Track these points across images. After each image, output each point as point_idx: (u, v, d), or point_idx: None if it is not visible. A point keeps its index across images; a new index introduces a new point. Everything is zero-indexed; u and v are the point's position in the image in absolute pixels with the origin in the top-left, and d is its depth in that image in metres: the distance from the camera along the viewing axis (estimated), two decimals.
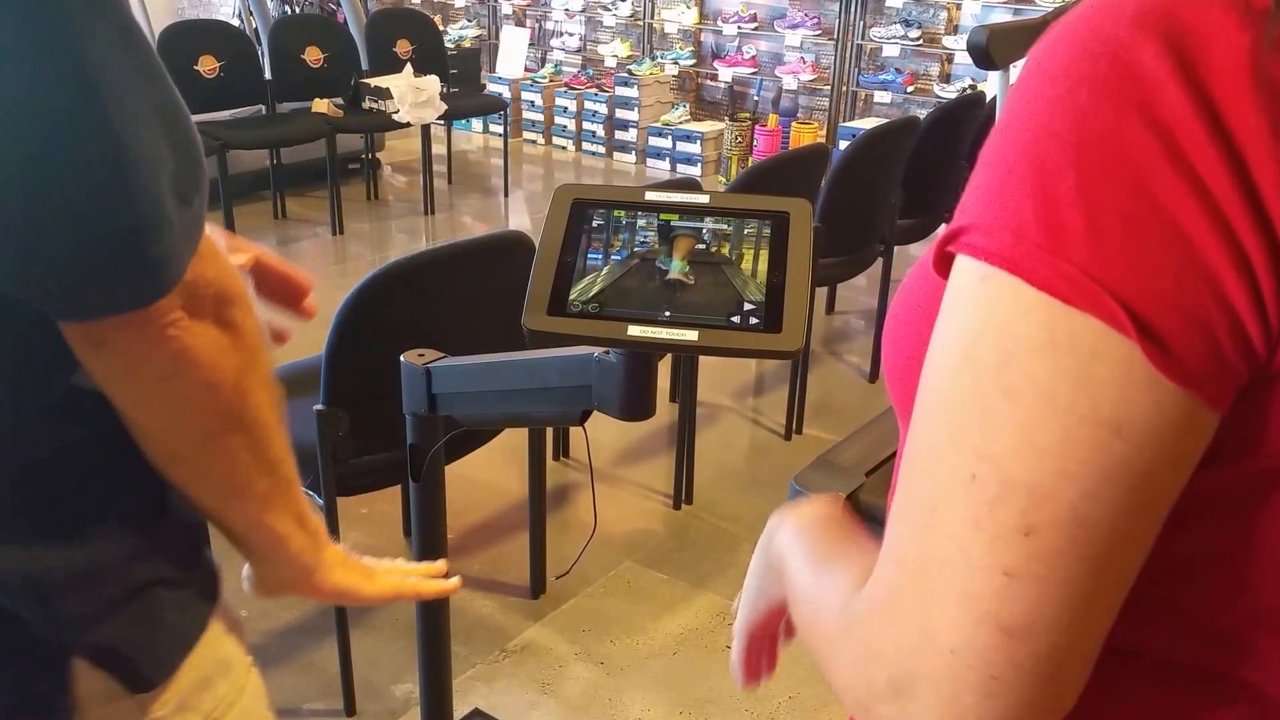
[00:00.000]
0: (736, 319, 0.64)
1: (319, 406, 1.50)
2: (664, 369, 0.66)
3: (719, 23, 5.55)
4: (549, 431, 2.36)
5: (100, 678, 0.55)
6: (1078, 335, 0.33)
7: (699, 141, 5.32)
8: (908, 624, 0.35)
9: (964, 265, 0.36)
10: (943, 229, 0.40)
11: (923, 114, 3.16)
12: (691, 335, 0.64)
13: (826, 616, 0.43)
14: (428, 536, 1.13)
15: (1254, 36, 0.32)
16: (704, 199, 0.70)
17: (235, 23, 5.29)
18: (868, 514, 2.10)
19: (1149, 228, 0.32)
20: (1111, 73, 0.33)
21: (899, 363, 0.46)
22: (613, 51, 5.90)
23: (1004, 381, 0.34)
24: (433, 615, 1.21)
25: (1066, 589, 0.33)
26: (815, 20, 5.22)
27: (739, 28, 5.46)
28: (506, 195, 4.95)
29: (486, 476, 2.38)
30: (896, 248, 2.83)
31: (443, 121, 4.49)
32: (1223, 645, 0.39)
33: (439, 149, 4.90)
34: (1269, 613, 0.38)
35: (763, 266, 0.66)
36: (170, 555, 0.59)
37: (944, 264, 0.37)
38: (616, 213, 0.69)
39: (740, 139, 5.22)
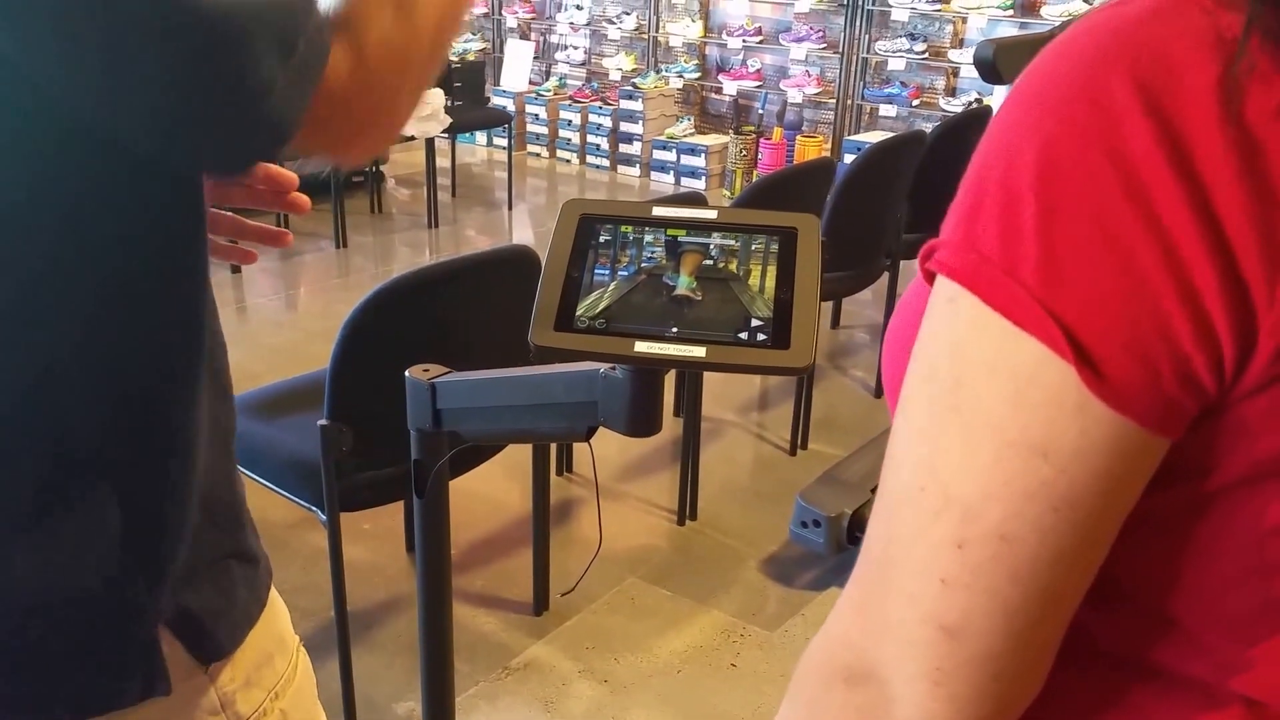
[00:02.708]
0: (744, 335, 0.63)
1: (323, 422, 1.49)
2: (668, 383, 0.65)
3: (724, 36, 5.57)
4: (552, 446, 2.35)
5: (179, 649, 0.56)
6: (1020, 359, 0.34)
7: (703, 155, 5.33)
8: (873, 615, 0.38)
9: (939, 282, 0.38)
10: (927, 243, 0.41)
11: (928, 128, 3.16)
12: (699, 352, 0.63)
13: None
14: (431, 553, 1.12)
15: (1224, 69, 0.32)
16: (711, 214, 0.69)
17: None
18: None
19: (1099, 257, 0.33)
20: (1078, 103, 0.34)
21: (895, 379, 0.47)
22: (617, 65, 5.92)
23: (955, 400, 0.36)
24: (435, 632, 1.20)
25: (995, 599, 0.36)
26: (820, 34, 5.24)
27: (744, 41, 5.48)
28: (510, 208, 4.95)
29: (490, 491, 2.37)
30: (902, 262, 2.82)
31: (447, 135, 4.50)
32: (1209, 653, 0.40)
33: (443, 162, 4.91)
34: (1245, 622, 0.39)
35: (770, 283, 0.65)
36: (240, 531, 0.62)
37: (929, 278, 0.39)
38: (624, 228, 0.68)
39: (745, 152, 5.22)
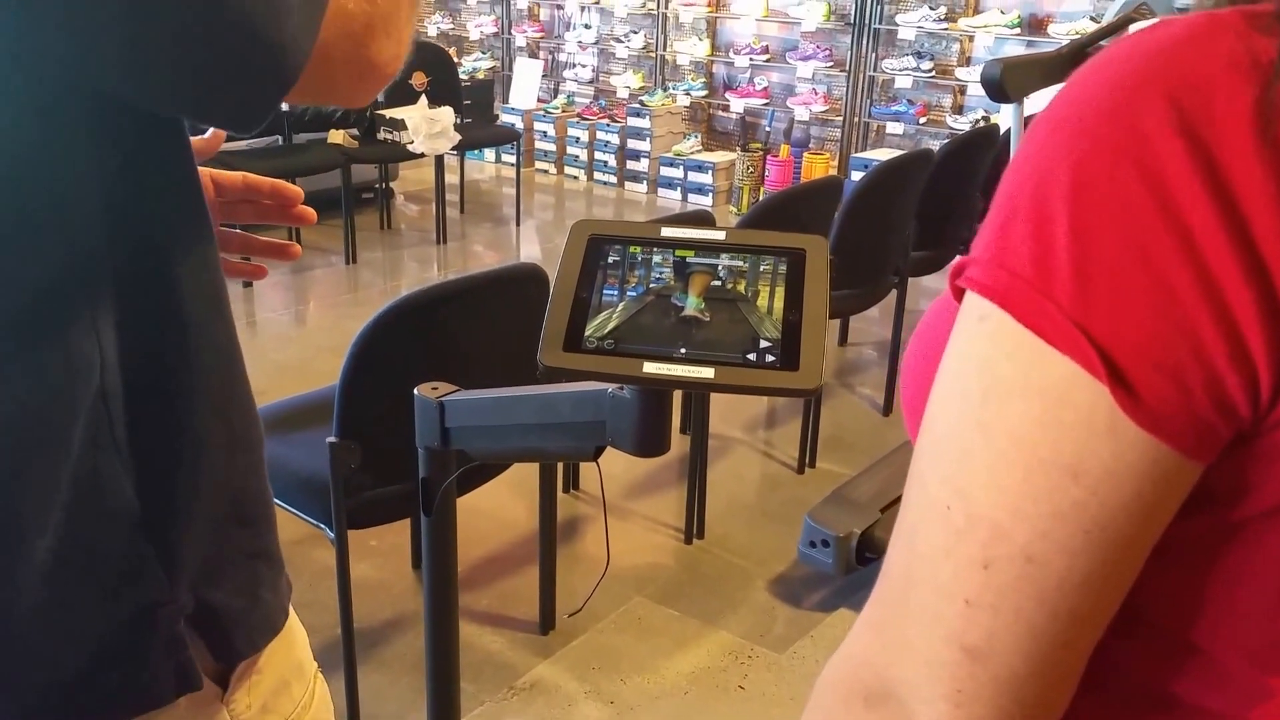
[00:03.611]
0: (753, 356, 0.63)
1: (332, 439, 1.49)
2: (676, 401, 0.65)
3: (731, 55, 5.60)
4: (559, 464, 2.35)
5: (202, 649, 0.55)
6: (1052, 378, 0.34)
7: (711, 171, 5.34)
8: (893, 635, 0.38)
9: (968, 299, 0.37)
10: (957, 260, 0.41)
11: (935, 145, 3.16)
12: (707, 373, 0.63)
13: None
14: (438, 570, 1.11)
15: (1259, 92, 0.32)
16: (720, 235, 0.69)
17: None
18: (883, 551, 2.08)
19: (1133, 278, 0.33)
20: (1112, 124, 0.34)
21: (916, 397, 0.46)
22: (625, 83, 5.95)
23: (982, 418, 0.36)
24: (441, 651, 1.19)
25: (1020, 621, 0.35)
26: (827, 52, 5.26)
27: (751, 59, 5.51)
28: (518, 224, 4.97)
29: (496, 508, 2.37)
30: (910, 280, 2.82)
31: (456, 152, 4.52)
32: (1230, 683, 0.39)
33: (452, 178, 4.93)
34: (1269, 651, 0.38)
35: (779, 304, 0.65)
36: (269, 534, 0.61)
37: (958, 295, 0.39)
38: (632, 249, 0.68)
39: (752, 169, 5.24)
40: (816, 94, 5.32)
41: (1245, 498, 0.36)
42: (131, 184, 0.50)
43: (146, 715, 0.53)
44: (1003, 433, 0.35)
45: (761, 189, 5.22)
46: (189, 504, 0.54)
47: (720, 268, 0.67)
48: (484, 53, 6.65)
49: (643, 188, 5.59)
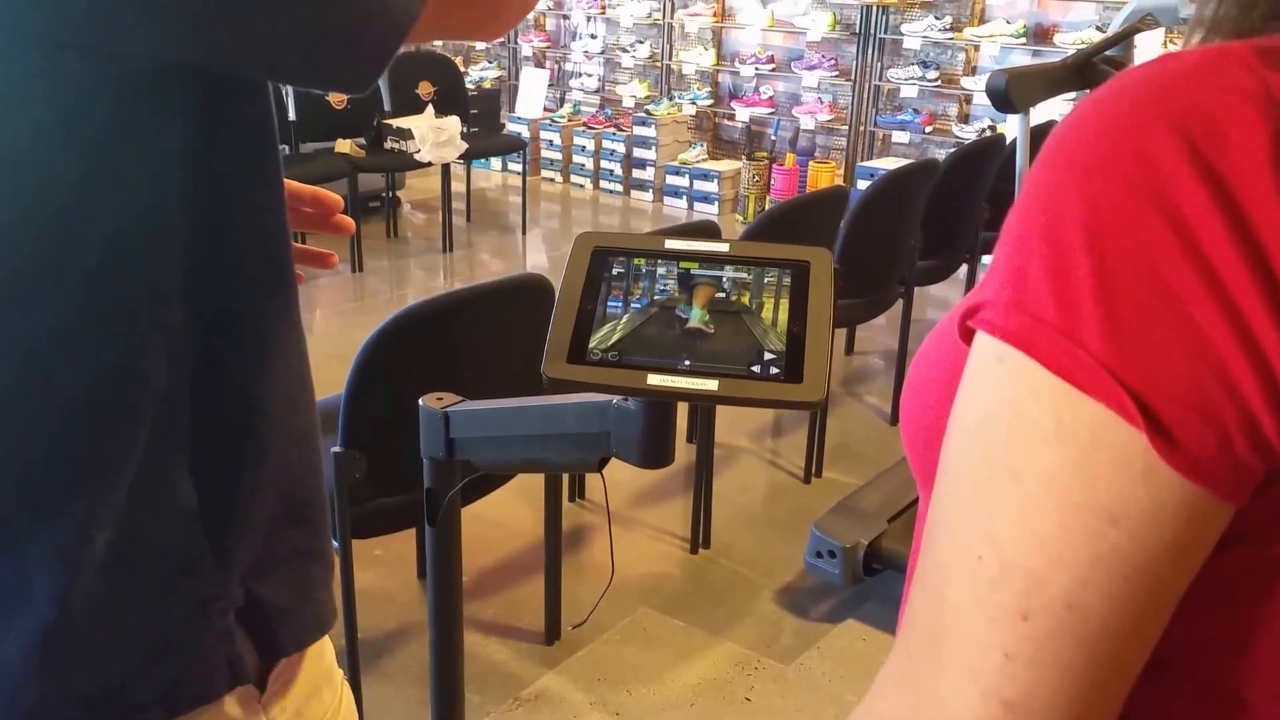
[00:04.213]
0: (757, 369, 0.63)
1: (337, 449, 1.49)
2: (681, 410, 0.65)
3: (736, 64, 5.61)
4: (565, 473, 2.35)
5: (249, 643, 0.55)
6: (1084, 423, 0.33)
7: (716, 180, 5.35)
8: (924, 691, 0.37)
9: (983, 342, 0.36)
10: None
11: (941, 154, 3.17)
12: (711, 385, 0.63)
13: None
14: (442, 580, 1.11)
15: (1274, 127, 0.32)
16: (724, 247, 0.69)
17: None
18: (890, 562, 2.07)
19: (1161, 319, 0.32)
20: (1124, 160, 0.33)
21: (919, 435, 0.46)
22: (631, 92, 5.96)
23: (1011, 465, 0.35)
24: (446, 662, 1.19)
25: (1062, 672, 0.34)
26: (833, 62, 5.27)
27: (756, 69, 5.52)
28: (524, 233, 4.98)
29: (502, 517, 2.37)
30: (916, 289, 2.82)
31: (463, 160, 4.54)
32: None
33: (458, 187, 4.95)
34: None
35: (783, 316, 0.65)
36: (324, 535, 0.61)
37: (966, 336, 0.38)
38: (637, 261, 0.68)
39: (758, 178, 5.24)
40: (822, 103, 5.32)
41: (1276, 537, 0.35)
42: (208, 185, 0.50)
43: (189, 714, 0.53)
44: (1034, 478, 0.34)
45: (767, 198, 5.22)
46: (248, 504, 0.54)
47: (724, 280, 0.67)
48: (490, 62, 6.67)
49: (648, 196, 5.60)
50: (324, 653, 0.63)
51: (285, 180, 0.72)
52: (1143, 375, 0.32)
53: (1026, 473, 0.34)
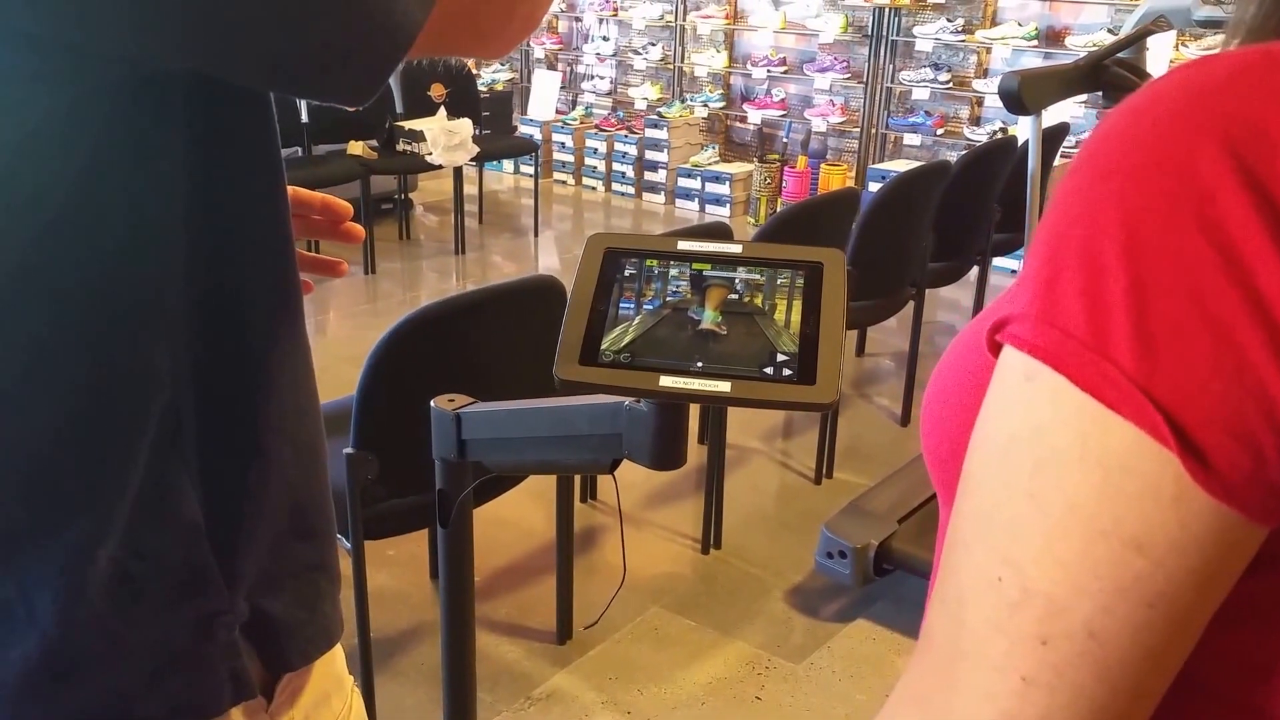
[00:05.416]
0: (769, 370, 0.63)
1: (349, 450, 1.50)
2: (693, 411, 0.65)
3: (748, 66, 5.61)
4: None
5: (254, 657, 0.55)
6: (1112, 444, 0.32)
7: (728, 182, 5.35)
8: (938, 712, 0.36)
9: (1010, 357, 0.35)
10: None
11: (952, 156, 3.16)
12: (724, 386, 0.63)
13: None
14: (454, 581, 1.12)
15: None
16: (736, 249, 0.69)
17: None
18: (900, 562, 2.07)
19: (1198, 338, 0.31)
20: (1164, 171, 0.32)
21: (941, 447, 0.45)
22: (643, 94, 5.97)
23: (1034, 487, 0.34)
24: (458, 661, 1.19)
25: (1080, 698, 0.33)
26: (844, 64, 5.26)
27: (768, 71, 5.51)
28: (536, 235, 4.99)
29: (514, 517, 2.37)
30: (928, 290, 2.81)
31: (475, 163, 4.55)
32: None
33: (470, 189, 4.96)
34: None
35: (796, 317, 0.65)
36: (331, 548, 0.61)
37: (994, 349, 0.37)
38: (649, 262, 0.68)
39: (769, 180, 5.24)
40: (834, 105, 5.32)
41: None
42: (213, 194, 0.49)
43: None
44: (1058, 503, 0.33)
45: (779, 200, 5.22)
46: (254, 517, 0.54)
47: (737, 281, 0.67)
48: (502, 64, 6.69)
49: (660, 199, 5.60)
50: (334, 659, 0.63)
51: (294, 188, 0.72)
52: (1176, 395, 0.31)
53: (1050, 496, 0.33)
